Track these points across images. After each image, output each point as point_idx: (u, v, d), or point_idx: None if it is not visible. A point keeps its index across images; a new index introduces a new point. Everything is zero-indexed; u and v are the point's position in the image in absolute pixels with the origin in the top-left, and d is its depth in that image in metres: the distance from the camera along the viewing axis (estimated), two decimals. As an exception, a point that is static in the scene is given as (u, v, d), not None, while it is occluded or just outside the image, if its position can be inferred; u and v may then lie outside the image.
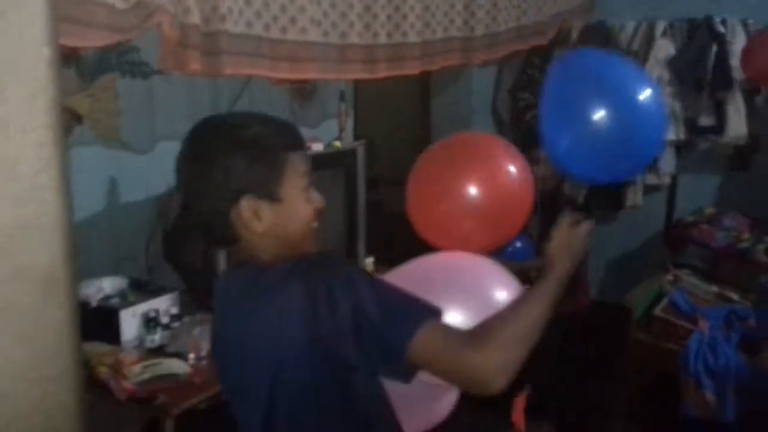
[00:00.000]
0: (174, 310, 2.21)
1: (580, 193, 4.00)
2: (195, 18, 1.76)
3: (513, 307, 1.10)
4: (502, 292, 1.34)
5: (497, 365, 0.97)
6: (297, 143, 1.11)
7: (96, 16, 1.48)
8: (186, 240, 2.29)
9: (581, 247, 1.25)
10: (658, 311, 2.95)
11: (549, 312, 1.08)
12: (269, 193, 1.06)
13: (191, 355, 2.02)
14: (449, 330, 1.01)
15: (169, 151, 2.46)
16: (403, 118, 4.28)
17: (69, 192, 0.41)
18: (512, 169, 1.56)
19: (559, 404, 2.99)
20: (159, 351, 2.09)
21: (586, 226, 1.27)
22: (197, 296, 2.31)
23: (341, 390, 1.04)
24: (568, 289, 1.20)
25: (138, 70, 2.37)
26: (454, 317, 1.18)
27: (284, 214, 1.08)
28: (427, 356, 0.97)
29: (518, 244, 2.54)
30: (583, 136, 1.46)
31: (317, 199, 1.13)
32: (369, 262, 2.93)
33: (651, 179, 3.86)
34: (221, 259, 2.14)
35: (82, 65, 2.21)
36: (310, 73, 2.22)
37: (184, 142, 1.10)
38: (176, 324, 2.18)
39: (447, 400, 1.45)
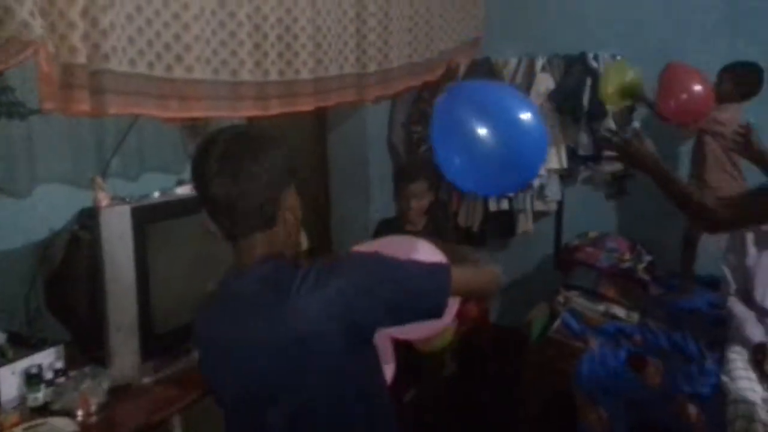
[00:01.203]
0: (59, 365, 2.05)
1: (475, 223, 4.14)
2: (81, 58, 1.69)
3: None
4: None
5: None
6: (295, 168, 1.31)
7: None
8: (70, 286, 2.15)
9: None
10: (551, 333, 3.08)
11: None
12: (296, 187, 1.24)
13: (80, 412, 1.89)
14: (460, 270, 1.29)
15: (49, 194, 2.36)
16: (299, 152, 4.27)
17: None
18: None
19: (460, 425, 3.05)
20: (43, 410, 1.93)
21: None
22: (84, 347, 2.16)
23: (360, 365, 1.21)
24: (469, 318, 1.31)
25: (15, 110, 2.23)
26: None
27: (297, 210, 1.26)
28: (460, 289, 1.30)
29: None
30: (471, 156, 1.54)
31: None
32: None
33: (539, 206, 4.05)
34: (111, 305, 2.01)
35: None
36: (200, 111, 2.17)
37: (211, 144, 1.18)
38: (61, 379, 2.02)
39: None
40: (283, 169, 1.20)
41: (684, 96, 3.13)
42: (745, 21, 3.48)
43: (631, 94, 3.29)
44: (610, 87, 3.27)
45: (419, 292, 1.20)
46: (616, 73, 3.28)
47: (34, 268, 2.31)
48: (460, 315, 3.55)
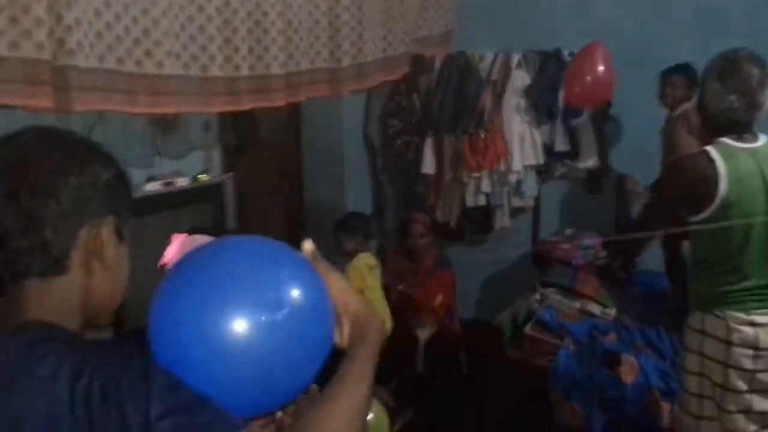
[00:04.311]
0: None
1: (452, 218, 4.12)
2: (46, 54, 1.64)
3: (332, 397, 0.84)
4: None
5: None
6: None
7: None
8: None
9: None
10: (527, 330, 3.08)
11: (370, 391, 0.87)
12: (120, 226, 0.90)
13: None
14: None
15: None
16: (273, 148, 4.21)
17: None
18: None
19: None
20: None
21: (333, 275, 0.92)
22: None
23: None
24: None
25: (-28, 104, 2.15)
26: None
27: (121, 257, 0.91)
28: None
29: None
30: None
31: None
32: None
33: (516, 202, 4.05)
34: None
35: None
36: (171, 107, 2.12)
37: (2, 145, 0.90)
38: None
39: None
40: (90, 196, 0.86)
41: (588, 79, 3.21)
42: (716, 18, 3.51)
43: None
44: None
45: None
46: None
47: None
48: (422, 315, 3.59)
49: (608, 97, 3.41)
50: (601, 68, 3.23)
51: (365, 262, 3.29)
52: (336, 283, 0.90)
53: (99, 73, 1.83)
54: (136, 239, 2.17)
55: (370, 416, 2.11)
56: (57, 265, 0.85)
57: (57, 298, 0.86)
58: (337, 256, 3.28)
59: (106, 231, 0.88)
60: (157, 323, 0.80)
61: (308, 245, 0.90)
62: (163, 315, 0.81)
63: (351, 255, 3.29)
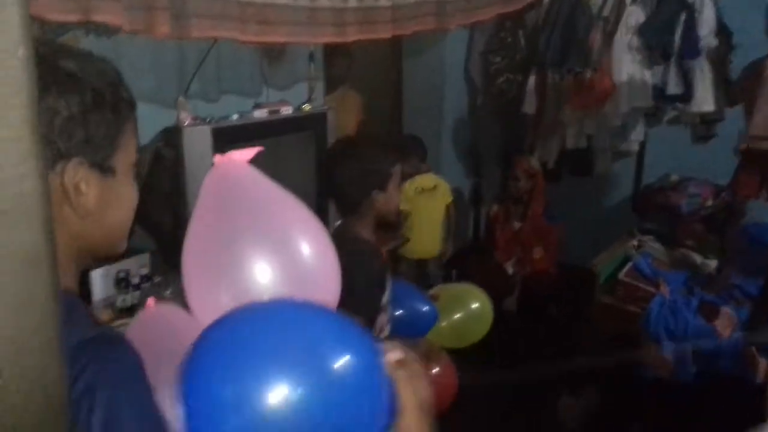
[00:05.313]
0: (144, 271, 2.20)
1: (551, 159, 4.05)
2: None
3: None
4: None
5: None
6: (133, 100, 0.83)
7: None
8: (155, 200, 2.27)
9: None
10: (622, 275, 3.04)
11: None
12: (102, 160, 0.76)
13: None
14: None
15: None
16: (374, 81, 4.24)
17: (46, 179, 0.43)
18: None
19: (521, 363, 3.09)
20: (131, 311, 2.09)
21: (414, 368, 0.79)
22: (168, 257, 2.30)
23: None
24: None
25: (102, 27, 2.30)
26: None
27: (112, 193, 0.78)
28: None
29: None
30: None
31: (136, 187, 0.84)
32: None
33: (620, 145, 3.92)
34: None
35: (45, 23, 2.13)
36: (278, 37, 2.19)
37: None
38: (147, 284, 2.18)
39: None
40: (66, 131, 0.72)
41: None
42: None
43: None
44: None
45: None
46: None
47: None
48: (524, 260, 3.64)
49: None
50: None
51: (418, 184, 3.45)
52: (408, 403, 0.75)
53: (213, 1, 1.91)
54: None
55: (476, 304, 2.18)
56: None
57: None
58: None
59: (71, 176, 0.73)
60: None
61: (396, 354, 0.77)
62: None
63: (408, 177, 3.37)
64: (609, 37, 3.68)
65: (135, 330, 0.96)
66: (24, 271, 0.41)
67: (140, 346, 0.75)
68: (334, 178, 1.77)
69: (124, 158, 0.80)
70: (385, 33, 2.56)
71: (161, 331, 0.95)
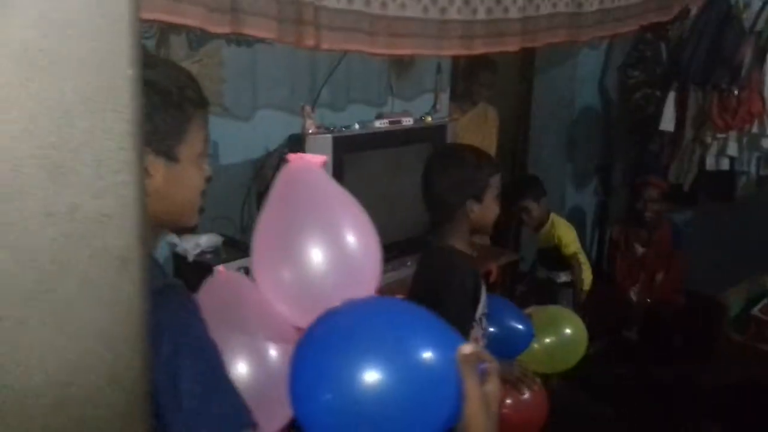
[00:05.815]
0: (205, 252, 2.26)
1: (687, 180, 3.81)
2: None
3: None
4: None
5: None
6: (204, 99, 0.96)
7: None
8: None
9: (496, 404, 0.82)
10: (755, 311, 2.81)
11: None
12: (167, 149, 0.90)
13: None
14: None
15: (267, 118, 2.61)
16: (503, 92, 4.20)
17: (143, 187, 0.48)
18: None
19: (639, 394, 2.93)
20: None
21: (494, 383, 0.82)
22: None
23: None
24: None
25: (243, 38, 2.46)
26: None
27: (176, 177, 0.92)
28: None
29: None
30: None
31: (208, 168, 0.99)
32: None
33: (766, 169, 3.64)
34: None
35: (191, 33, 2.33)
36: (407, 49, 2.24)
37: None
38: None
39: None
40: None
41: None
42: None
43: None
44: None
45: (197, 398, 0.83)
46: None
47: (250, 182, 2.59)
48: (647, 287, 3.47)
49: None
50: None
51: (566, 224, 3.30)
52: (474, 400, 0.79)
53: (347, 13, 1.99)
54: (360, 172, 2.39)
55: (569, 330, 2.11)
56: None
57: None
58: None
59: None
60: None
61: (467, 349, 0.81)
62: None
63: (534, 218, 3.28)
64: (762, 52, 3.41)
65: (206, 291, 1.09)
66: (117, 269, 0.47)
67: (208, 305, 0.92)
68: (430, 185, 1.77)
69: (189, 149, 0.93)
70: (513, 46, 2.54)
71: (229, 295, 1.08)
